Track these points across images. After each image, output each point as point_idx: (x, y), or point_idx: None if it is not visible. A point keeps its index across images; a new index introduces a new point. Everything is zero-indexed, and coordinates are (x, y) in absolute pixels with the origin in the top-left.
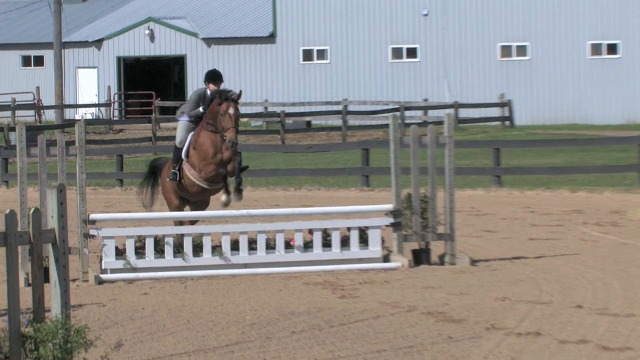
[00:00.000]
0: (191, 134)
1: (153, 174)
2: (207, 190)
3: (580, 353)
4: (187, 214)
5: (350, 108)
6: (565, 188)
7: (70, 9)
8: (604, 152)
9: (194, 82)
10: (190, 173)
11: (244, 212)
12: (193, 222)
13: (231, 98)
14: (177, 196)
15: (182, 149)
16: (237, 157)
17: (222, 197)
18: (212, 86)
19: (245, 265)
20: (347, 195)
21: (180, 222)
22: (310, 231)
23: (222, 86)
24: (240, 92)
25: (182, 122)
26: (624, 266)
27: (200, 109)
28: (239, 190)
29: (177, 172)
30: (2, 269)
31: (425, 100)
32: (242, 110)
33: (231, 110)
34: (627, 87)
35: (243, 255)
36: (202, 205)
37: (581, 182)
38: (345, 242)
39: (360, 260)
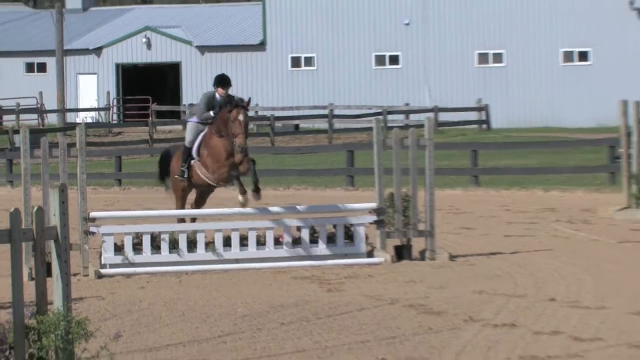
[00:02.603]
0: (202, 133)
1: (165, 161)
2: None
3: (553, 343)
4: (184, 212)
5: (336, 112)
6: (539, 187)
7: (71, 18)
8: (576, 154)
9: (189, 88)
10: (200, 171)
11: (234, 210)
12: (194, 219)
13: (241, 105)
14: (183, 188)
15: (191, 148)
16: (250, 161)
17: (239, 197)
18: (220, 90)
19: (237, 261)
20: (333, 194)
21: (182, 220)
22: (298, 228)
23: (230, 90)
24: (250, 99)
25: (191, 124)
26: (595, 262)
27: (212, 113)
28: (257, 190)
29: (186, 170)
30: (7, 264)
31: (407, 104)
32: None
33: (240, 117)
34: (597, 92)
35: (235, 251)
36: (208, 193)
37: (554, 182)
38: (331, 239)
39: (346, 256)
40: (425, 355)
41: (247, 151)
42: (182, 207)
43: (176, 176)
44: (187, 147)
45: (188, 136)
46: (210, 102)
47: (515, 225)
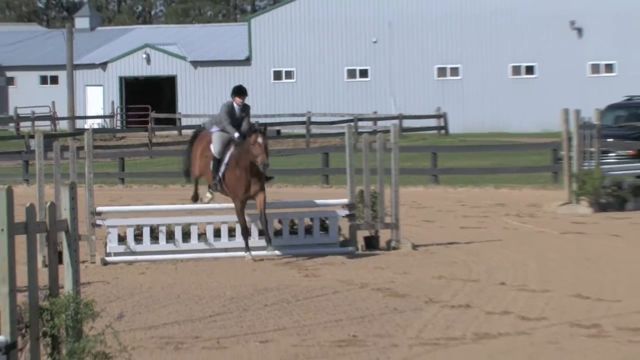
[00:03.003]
0: (229, 154)
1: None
2: None
3: (503, 322)
4: (176, 207)
5: (313, 119)
6: (491, 185)
7: (80, 37)
8: (523, 156)
9: (183, 98)
10: (227, 189)
11: (224, 205)
12: None
13: (259, 130)
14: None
15: (221, 160)
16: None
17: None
18: (238, 99)
19: (226, 250)
20: (310, 191)
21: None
22: (280, 221)
23: (246, 100)
24: (266, 125)
25: (216, 134)
26: (540, 250)
27: (235, 135)
28: (267, 243)
29: (218, 184)
30: (23, 253)
31: (375, 112)
32: None
33: (260, 140)
34: (542, 101)
35: (224, 241)
36: None
37: (504, 180)
38: (308, 230)
39: (321, 245)
40: (391, 332)
41: (268, 168)
42: (196, 198)
43: (209, 188)
44: (217, 159)
45: (216, 147)
46: (230, 111)
47: (469, 219)
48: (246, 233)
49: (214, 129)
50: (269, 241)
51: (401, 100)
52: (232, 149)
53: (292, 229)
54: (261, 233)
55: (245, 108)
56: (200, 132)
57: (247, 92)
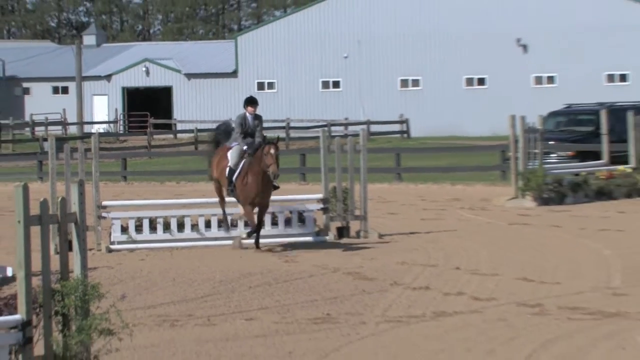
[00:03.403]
0: (241, 164)
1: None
2: None
3: (458, 302)
4: (171, 201)
5: (292, 124)
6: (447, 182)
7: (88, 52)
8: (476, 156)
9: (178, 106)
10: (238, 194)
11: (213, 199)
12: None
13: (272, 142)
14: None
15: (235, 170)
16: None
17: (243, 235)
18: (250, 108)
19: (216, 239)
20: (289, 187)
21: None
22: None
23: (257, 110)
24: (278, 137)
25: (235, 148)
26: (490, 239)
27: (245, 147)
28: (256, 245)
29: (233, 189)
30: (37, 241)
31: (346, 119)
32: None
33: (272, 151)
34: (492, 109)
35: (214, 231)
36: None
37: (459, 178)
38: (288, 222)
39: (299, 235)
40: (360, 311)
41: (278, 177)
42: (223, 200)
43: (226, 190)
44: (232, 169)
45: (232, 159)
46: (243, 122)
47: (429, 211)
48: (258, 231)
49: (233, 143)
50: (257, 243)
51: (369, 108)
52: (245, 159)
53: (273, 221)
54: (246, 224)
55: (257, 117)
56: (219, 139)
57: (258, 102)
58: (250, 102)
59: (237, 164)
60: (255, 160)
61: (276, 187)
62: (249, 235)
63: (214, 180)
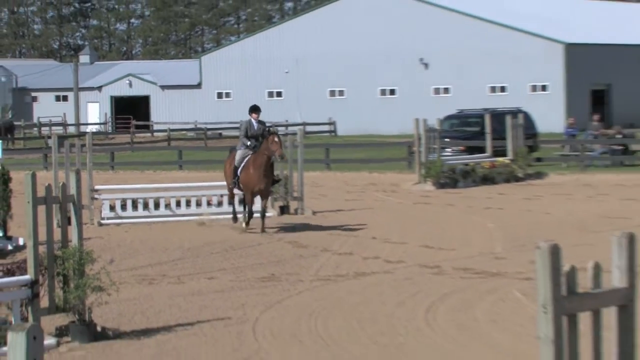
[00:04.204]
0: (244, 162)
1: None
2: None
3: (374, 264)
4: (152, 185)
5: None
6: (366, 171)
7: (83, 68)
8: (388, 150)
9: (155, 111)
10: (241, 184)
11: (183, 184)
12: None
13: (274, 132)
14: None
15: (239, 167)
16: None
17: (243, 224)
18: (254, 115)
19: (185, 215)
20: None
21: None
22: (222, 195)
23: (260, 116)
24: (276, 128)
25: (240, 151)
26: (399, 215)
27: (248, 142)
28: (262, 229)
29: (237, 182)
30: (43, 217)
31: (286, 121)
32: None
33: (276, 139)
34: (401, 113)
35: (183, 209)
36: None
37: (375, 167)
38: (242, 201)
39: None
40: (298, 271)
41: (285, 159)
42: (232, 197)
43: (230, 186)
44: (236, 167)
45: (237, 159)
46: (248, 126)
47: (351, 194)
48: (250, 216)
49: (240, 147)
50: (262, 228)
51: (304, 112)
52: (249, 155)
53: (230, 201)
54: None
55: (261, 122)
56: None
57: (261, 109)
58: (254, 109)
59: (240, 162)
60: (259, 152)
61: (278, 180)
62: (246, 222)
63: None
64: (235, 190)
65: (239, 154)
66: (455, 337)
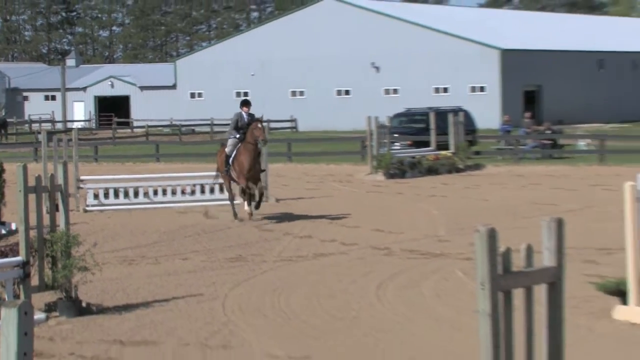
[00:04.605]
0: (235, 150)
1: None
2: None
3: (331, 246)
4: (132, 176)
5: (215, 122)
6: (323, 163)
7: (69, 71)
8: (343, 144)
9: (135, 109)
10: (233, 174)
11: (159, 175)
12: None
13: (257, 119)
14: (227, 179)
15: (230, 156)
16: (262, 190)
17: (245, 207)
18: (245, 108)
19: (162, 202)
20: (213, 166)
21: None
22: (194, 184)
23: (251, 109)
24: (262, 116)
25: (231, 140)
26: (354, 202)
27: (237, 135)
28: (257, 207)
29: (228, 169)
30: (34, 205)
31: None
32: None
33: (260, 125)
34: (355, 112)
35: (160, 197)
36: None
37: (332, 159)
38: (212, 190)
39: (220, 200)
40: (262, 253)
41: (267, 143)
42: (230, 187)
43: (222, 173)
44: (228, 155)
45: (229, 148)
46: (238, 119)
47: (311, 183)
48: (259, 201)
49: (231, 136)
50: (257, 206)
51: (269, 110)
52: (239, 145)
53: (201, 190)
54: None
55: (251, 115)
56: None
57: (251, 103)
58: (245, 103)
59: (232, 151)
60: (246, 141)
61: (263, 170)
62: (249, 206)
63: (222, 175)
64: (235, 191)
65: (230, 143)
66: (403, 311)
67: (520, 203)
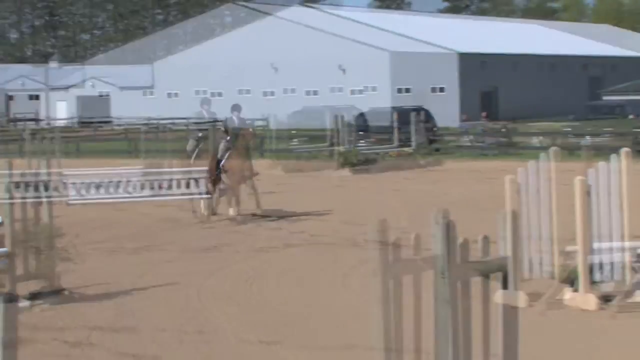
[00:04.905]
0: (227, 154)
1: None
2: None
3: (301, 237)
4: (113, 170)
5: (192, 121)
6: (293, 159)
7: (52, 71)
8: (314, 143)
9: (115, 109)
10: (224, 176)
11: (138, 170)
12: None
13: (246, 128)
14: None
15: (221, 160)
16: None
17: (230, 210)
18: (236, 113)
19: (141, 197)
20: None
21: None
22: (171, 180)
23: (242, 113)
24: (254, 127)
25: (222, 143)
26: (322, 196)
27: (227, 137)
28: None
29: (219, 172)
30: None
31: (226, 118)
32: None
33: (250, 130)
34: (322, 111)
35: (139, 191)
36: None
37: (302, 156)
38: (188, 185)
39: (193, 194)
40: (235, 243)
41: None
42: (212, 189)
43: (211, 178)
44: (219, 159)
45: (220, 152)
46: (228, 123)
47: (282, 178)
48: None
49: (223, 141)
50: (258, 205)
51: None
52: (230, 150)
53: (178, 185)
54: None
55: (241, 120)
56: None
57: (241, 107)
58: (235, 108)
59: (223, 155)
60: (238, 143)
61: (256, 173)
62: (234, 210)
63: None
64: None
65: (221, 146)
66: (368, 297)
67: (477, 196)
